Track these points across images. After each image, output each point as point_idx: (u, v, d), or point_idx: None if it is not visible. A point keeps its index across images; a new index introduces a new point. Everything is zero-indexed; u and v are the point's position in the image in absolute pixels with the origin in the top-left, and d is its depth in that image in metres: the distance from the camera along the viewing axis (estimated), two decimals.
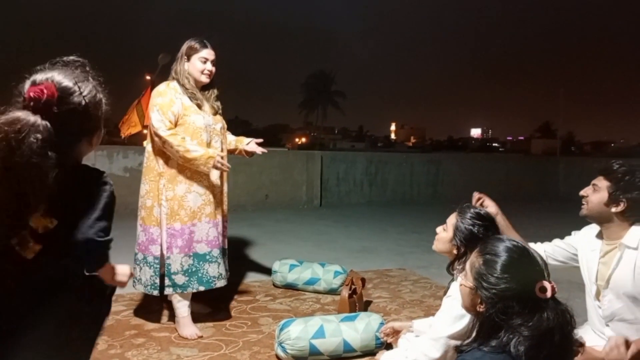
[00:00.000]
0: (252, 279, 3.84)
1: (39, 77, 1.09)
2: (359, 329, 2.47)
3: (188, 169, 2.69)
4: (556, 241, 2.17)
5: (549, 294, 1.17)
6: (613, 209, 1.83)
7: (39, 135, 1.01)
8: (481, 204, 2.15)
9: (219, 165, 2.64)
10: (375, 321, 2.53)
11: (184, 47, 2.79)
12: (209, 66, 2.79)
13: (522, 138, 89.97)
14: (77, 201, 1.14)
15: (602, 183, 1.86)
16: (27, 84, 1.07)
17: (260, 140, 3.13)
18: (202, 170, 2.67)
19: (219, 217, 2.84)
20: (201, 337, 2.68)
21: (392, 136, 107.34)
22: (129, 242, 2.97)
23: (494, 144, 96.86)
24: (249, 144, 3.07)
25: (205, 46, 2.79)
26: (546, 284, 1.17)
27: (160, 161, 2.70)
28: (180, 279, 2.66)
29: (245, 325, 2.88)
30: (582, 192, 1.94)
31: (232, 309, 3.13)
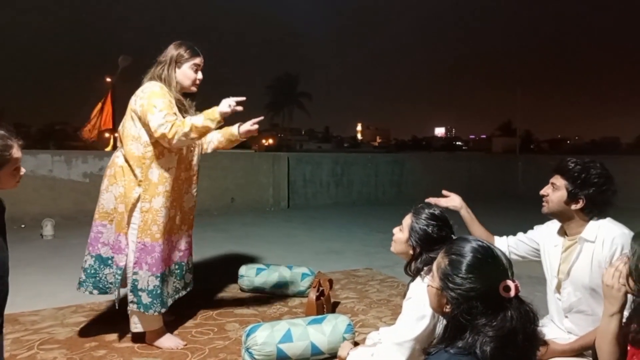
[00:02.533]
0: (218, 284, 3.78)
1: None
2: (326, 332, 2.46)
3: (168, 182, 2.54)
4: (520, 235, 2.23)
5: (512, 293, 1.18)
6: (573, 207, 1.88)
7: None
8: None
9: (230, 108, 2.46)
10: (342, 323, 2.53)
11: (173, 53, 2.60)
12: (199, 75, 2.65)
13: (484, 136, 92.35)
14: None
15: (559, 182, 1.91)
16: None
17: (258, 120, 2.81)
18: (217, 123, 2.49)
19: (184, 231, 2.76)
20: (186, 344, 2.62)
21: (359, 136, 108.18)
22: (84, 250, 2.83)
23: (457, 143, 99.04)
24: (242, 127, 2.81)
25: (197, 53, 2.63)
26: (510, 283, 1.19)
27: (141, 168, 2.52)
28: (145, 299, 2.54)
29: (211, 332, 2.83)
30: (542, 192, 2.00)
31: (197, 316, 3.07)
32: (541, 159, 13.42)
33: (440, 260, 1.32)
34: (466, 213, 2.25)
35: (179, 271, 2.79)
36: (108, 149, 7.76)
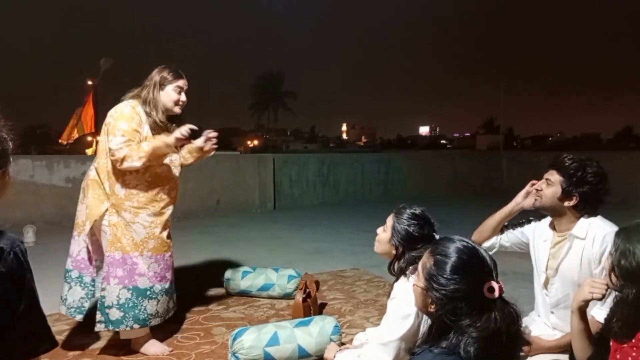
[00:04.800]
0: (204, 288, 3.75)
1: None
2: (313, 334, 2.46)
3: (136, 197, 2.51)
4: (510, 226, 2.21)
5: (496, 294, 1.19)
6: (566, 203, 1.89)
7: None
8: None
9: (178, 135, 2.47)
10: (329, 324, 2.53)
11: (157, 76, 2.60)
12: (183, 97, 2.64)
13: (468, 134, 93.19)
14: None
15: (555, 177, 1.91)
16: None
17: (210, 133, 2.80)
18: (170, 152, 2.54)
19: (165, 252, 2.63)
20: (171, 350, 2.59)
21: (344, 136, 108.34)
22: (66, 256, 2.79)
23: (441, 141, 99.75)
24: (198, 142, 2.79)
25: (180, 76, 2.64)
26: (494, 284, 1.19)
27: (109, 182, 2.51)
28: (114, 314, 2.46)
29: (197, 337, 2.80)
30: (535, 186, 1.99)
31: (184, 320, 3.04)
32: (524, 155, 13.62)
33: (426, 260, 1.32)
34: (515, 212, 2.16)
35: (170, 291, 2.69)
36: (90, 152, 7.64)
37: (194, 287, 3.72)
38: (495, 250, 2.17)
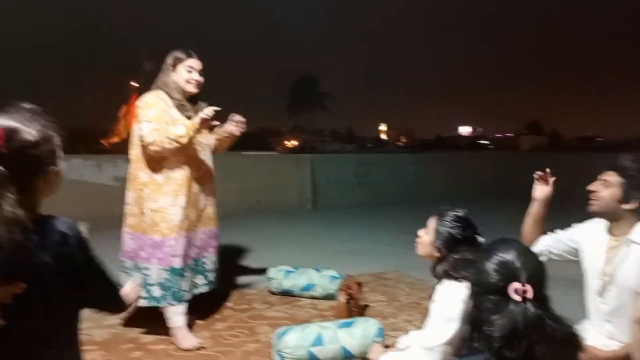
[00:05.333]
0: (247, 286, 3.82)
1: None
2: (356, 335, 2.46)
3: (173, 180, 2.66)
4: (559, 233, 2.14)
5: (518, 296, 1.16)
6: (625, 206, 1.81)
7: None
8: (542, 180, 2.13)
9: (203, 116, 2.57)
10: (372, 326, 2.53)
11: (169, 59, 2.77)
12: (195, 75, 2.76)
13: (511, 135, 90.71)
14: (46, 261, 1.12)
15: (613, 179, 1.83)
16: None
17: (236, 117, 2.92)
18: (194, 137, 2.63)
19: (205, 230, 2.85)
20: (203, 347, 2.66)
21: (382, 137, 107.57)
22: (117, 252, 2.93)
23: (482, 142, 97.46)
24: (225, 127, 2.92)
25: (190, 55, 2.77)
26: (517, 285, 1.17)
27: (146, 171, 2.68)
28: (156, 292, 2.65)
29: (242, 334, 2.86)
30: (591, 187, 1.90)
31: (228, 318, 3.11)
32: (570, 157, 13.10)
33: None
34: (539, 206, 2.15)
35: (197, 267, 2.87)
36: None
37: (238, 286, 3.79)
38: (545, 258, 2.10)
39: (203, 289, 2.90)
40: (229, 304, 3.31)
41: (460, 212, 1.90)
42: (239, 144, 3.18)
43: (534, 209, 2.14)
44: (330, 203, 9.01)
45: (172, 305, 2.68)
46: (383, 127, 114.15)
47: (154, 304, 2.66)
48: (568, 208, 2.76)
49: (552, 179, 2.16)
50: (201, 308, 2.96)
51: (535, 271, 1.23)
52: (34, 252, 1.10)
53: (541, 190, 2.12)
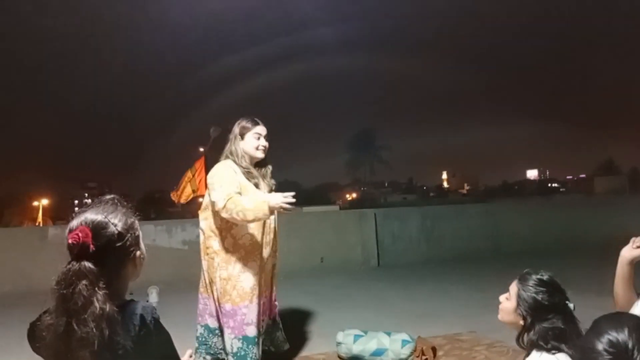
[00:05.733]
0: (315, 350, 3.71)
1: (73, 223, 1.19)
2: None
3: (242, 248, 2.69)
4: None
5: None
6: None
7: (84, 281, 1.12)
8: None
9: (278, 205, 2.48)
10: None
11: (236, 128, 2.88)
12: (262, 142, 2.86)
13: (583, 176, 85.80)
14: (126, 344, 1.16)
15: None
16: (66, 233, 1.19)
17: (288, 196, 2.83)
18: (265, 217, 2.58)
19: (269, 293, 2.89)
20: None
21: (445, 185, 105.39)
22: (186, 315, 2.99)
23: (553, 185, 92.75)
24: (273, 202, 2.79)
25: (257, 123, 2.88)
26: None
27: (216, 240, 2.73)
28: None
29: None
30: None
31: None
32: None
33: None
34: (628, 267, 1.93)
35: (271, 329, 2.92)
36: (201, 218, 8.27)
37: (305, 350, 3.70)
38: None
39: (280, 349, 2.95)
40: None
41: (545, 276, 1.76)
42: (299, 199, 3.20)
43: (624, 270, 1.90)
44: (395, 259, 8.77)
45: None
46: (445, 174, 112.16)
47: None
48: None
49: None
50: None
51: None
52: (115, 336, 1.14)
53: (631, 252, 1.89)
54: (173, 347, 1.30)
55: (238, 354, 2.63)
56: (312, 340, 4.00)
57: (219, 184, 2.66)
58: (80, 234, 1.14)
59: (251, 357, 2.65)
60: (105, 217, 1.20)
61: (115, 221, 1.21)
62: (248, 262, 2.69)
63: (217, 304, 2.71)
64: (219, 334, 2.75)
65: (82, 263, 1.13)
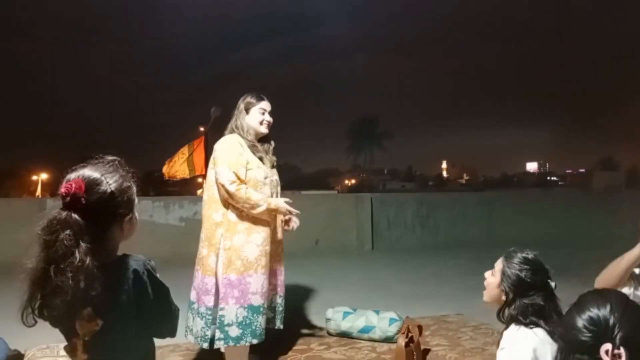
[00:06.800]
0: (305, 327, 3.80)
1: (71, 175, 1.22)
2: None
3: (247, 219, 2.73)
4: None
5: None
6: None
7: (68, 231, 1.13)
8: None
9: (285, 212, 2.80)
10: None
11: (241, 103, 2.92)
12: (267, 117, 2.91)
13: (582, 170, 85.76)
14: (122, 298, 1.21)
15: None
16: (62, 183, 1.21)
17: (294, 214, 3.00)
18: (275, 211, 2.78)
19: (276, 267, 2.93)
20: None
21: (444, 174, 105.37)
22: (182, 291, 3.01)
23: (552, 178, 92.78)
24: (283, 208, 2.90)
25: (262, 99, 2.93)
26: (608, 346, 1.05)
27: (220, 211, 2.75)
28: (234, 331, 2.64)
29: None
30: None
31: (287, 358, 3.09)
32: None
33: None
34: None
35: (274, 305, 2.97)
36: (200, 192, 8.29)
37: (295, 326, 3.78)
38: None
39: (277, 326, 2.97)
40: (286, 344, 3.30)
41: (530, 254, 1.81)
42: (298, 183, 3.26)
43: (636, 255, 1.90)
44: (390, 244, 8.85)
45: (251, 343, 2.68)
46: (444, 164, 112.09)
47: (231, 344, 2.66)
48: None
49: None
50: (258, 349, 2.97)
51: (635, 331, 1.07)
52: (109, 291, 1.18)
53: None
54: (168, 298, 1.34)
55: (243, 323, 2.65)
56: (304, 318, 4.09)
57: (226, 161, 2.71)
58: (73, 185, 1.16)
59: (256, 326, 2.67)
60: (102, 176, 1.22)
61: (111, 181, 1.23)
62: (252, 233, 2.73)
63: (219, 276, 2.70)
64: (196, 308, 2.74)
65: (69, 213, 1.15)
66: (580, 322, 1.11)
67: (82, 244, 1.14)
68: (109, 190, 1.22)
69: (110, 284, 1.19)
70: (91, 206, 1.18)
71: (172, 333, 1.39)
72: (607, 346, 1.05)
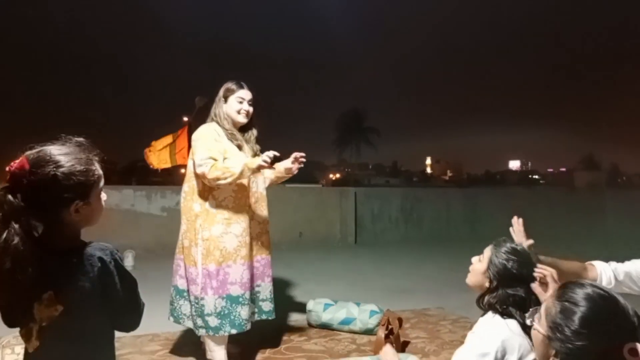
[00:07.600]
0: (286, 318, 3.80)
1: (27, 152, 1.16)
2: None
3: (226, 209, 2.70)
4: (636, 262, 1.94)
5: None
6: None
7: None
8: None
9: (261, 163, 2.53)
10: None
11: (221, 90, 2.86)
12: (245, 106, 2.84)
13: (564, 169, 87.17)
14: (85, 285, 1.17)
15: None
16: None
17: (298, 155, 2.89)
18: (252, 175, 2.70)
19: (258, 257, 2.87)
20: None
21: (428, 170, 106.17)
22: (162, 282, 3.00)
23: (534, 177, 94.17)
24: (284, 163, 2.92)
25: (241, 87, 2.86)
26: (638, 346, 0.99)
27: (198, 202, 2.72)
28: (213, 321, 2.63)
29: None
30: None
31: (266, 349, 3.09)
32: (632, 194, 12.38)
33: (551, 304, 1.16)
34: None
35: (252, 296, 2.86)
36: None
37: (277, 317, 3.76)
38: (612, 285, 1.93)
39: (258, 318, 2.90)
40: (266, 334, 3.30)
41: (519, 246, 1.82)
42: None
43: (574, 270, 1.95)
44: (373, 238, 8.90)
45: (231, 333, 2.66)
46: (429, 160, 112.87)
47: (210, 333, 2.64)
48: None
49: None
50: (238, 339, 2.95)
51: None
52: (71, 277, 1.15)
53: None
54: (136, 291, 1.30)
55: (222, 313, 2.63)
56: (285, 309, 4.08)
57: (202, 147, 2.66)
58: (16, 163, 1.11)
59: (235, 316, 2.65)
60: (52, 157, 1.14)
61: (62, 163, 1.15)
62: (232, 224, 2.70)
63: (199, 267, 2.67)
64: (187, 296, 2.74)
65: (4, 193, 1.10)
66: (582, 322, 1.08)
67: (15, 225, 1.08)
68: (52, 172, 1.13)
69: (70, 270, 1.15)
70: (33, 187, 1.11)
71: (135, 327, 1.34)
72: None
